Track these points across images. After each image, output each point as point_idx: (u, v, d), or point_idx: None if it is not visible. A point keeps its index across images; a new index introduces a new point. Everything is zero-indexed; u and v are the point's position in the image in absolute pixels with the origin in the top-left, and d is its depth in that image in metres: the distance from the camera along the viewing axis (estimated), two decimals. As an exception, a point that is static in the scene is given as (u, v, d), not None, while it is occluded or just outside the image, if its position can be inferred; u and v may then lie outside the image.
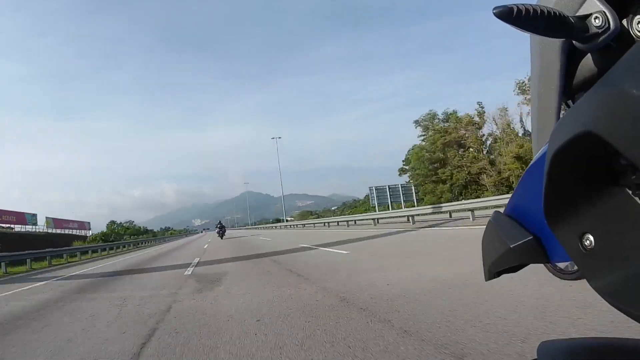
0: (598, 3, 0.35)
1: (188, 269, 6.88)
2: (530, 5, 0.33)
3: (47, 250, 15.57)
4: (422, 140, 36.86)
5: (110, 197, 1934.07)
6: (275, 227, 45.88)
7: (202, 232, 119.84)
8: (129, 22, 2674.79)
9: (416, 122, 37.47)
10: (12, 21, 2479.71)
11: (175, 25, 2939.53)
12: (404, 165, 39.60)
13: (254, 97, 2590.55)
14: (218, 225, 23.49)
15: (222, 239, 21.47)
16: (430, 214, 19.13)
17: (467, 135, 33.17)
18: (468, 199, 25.72)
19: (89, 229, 50.89)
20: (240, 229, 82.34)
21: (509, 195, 0.51)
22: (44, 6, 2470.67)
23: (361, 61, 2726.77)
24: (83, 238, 41.73)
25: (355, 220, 23.59)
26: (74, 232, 44.47)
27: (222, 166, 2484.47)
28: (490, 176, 29.91)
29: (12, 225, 34.20)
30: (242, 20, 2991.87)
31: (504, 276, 0.49)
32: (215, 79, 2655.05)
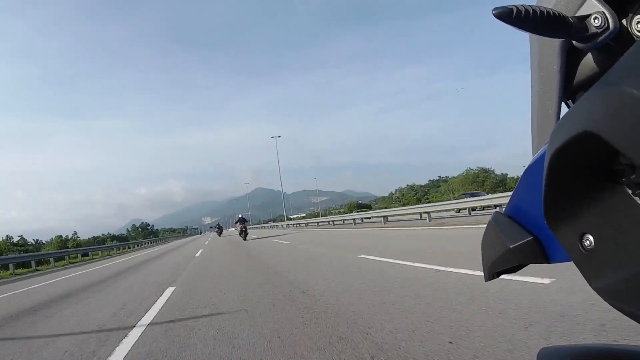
0: (597, 3, 0.35)
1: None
2: (530, 5, 0.34)
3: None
4: None
5: (117, 195, 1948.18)
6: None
7: (200, 233, 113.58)
8: (138, 23, 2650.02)
9: None
10: (21, 25, 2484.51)
11: (185, 23, 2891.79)
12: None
13: (265, 94, 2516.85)
14: (216, 226, 32.81)
15: (220, 236, 29.99)
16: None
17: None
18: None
19: None
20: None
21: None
22: (55, 8, 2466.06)
23: (372, 57, 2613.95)
24: None
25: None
26: None
27: (233, 163, 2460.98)
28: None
29: None
30: (252, 17, 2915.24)
31: None
32: (225, 77, 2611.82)
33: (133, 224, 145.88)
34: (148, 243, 41.89)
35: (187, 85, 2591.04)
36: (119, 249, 29.93)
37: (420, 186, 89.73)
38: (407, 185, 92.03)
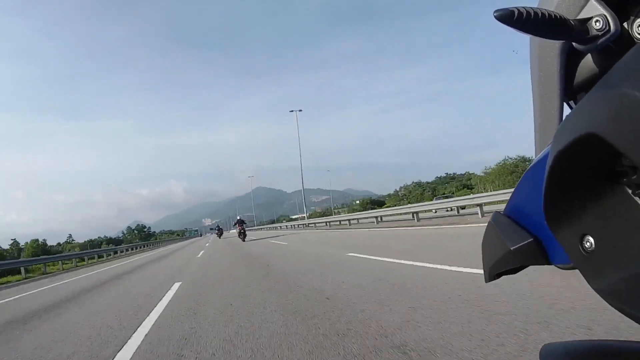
0: (599, 6, 0.36)
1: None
2: (531, 8, 0.35)
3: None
4: None
5: (118, 196, 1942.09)
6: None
7: (200, 235, 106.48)
8: (138, 23, 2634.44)
9: None
10: (21, 25, 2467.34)
11: (185, 23, 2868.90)
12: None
13: (265, 94, 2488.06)
14: (217, 228, 32.89)
15: (220, 238, 30.52)
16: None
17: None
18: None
19: None
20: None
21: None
22: (54, 9, 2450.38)
23: (373, 56, 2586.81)
24: None
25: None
26: None
27: (233, 163, 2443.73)
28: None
29: None
30: (252, 17, 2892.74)
31: None
32: (225, 77, 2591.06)
33: (129, 226, 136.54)
34: (124, 251, 31.15)
35: (187, 85, 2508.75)
36: (62, 262, 18.72)
37: (428, 183, 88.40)
38: (413, 182, 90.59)
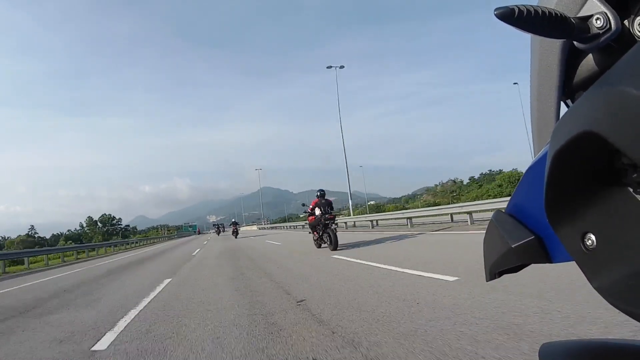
0: (599, 4, 0.36)
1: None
2: (531, 6, 0.35)
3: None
4: None
5: (122, 192, 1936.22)
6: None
7: (198, 233, 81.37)
8: (144, 20, 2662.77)
9: None
10: (25, 21, 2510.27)
11: (191, 22, 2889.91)
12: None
13: (271, 94, 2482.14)
14: (216, 226, 39.49)
15: (218, 235, 35.33)
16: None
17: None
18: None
19: None
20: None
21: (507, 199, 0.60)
22: (57, 4, 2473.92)
23: (380, 59, 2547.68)
24: None
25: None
26: None
27: (239, 162, 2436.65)
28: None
29: None
30: (258, 17, 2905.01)
31: None
32: (231, 76, 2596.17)
33: (89, 217, 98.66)
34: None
35: (194, 84, 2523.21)
36: None
37: (462, 183, 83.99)
38: (450, 180, 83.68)
